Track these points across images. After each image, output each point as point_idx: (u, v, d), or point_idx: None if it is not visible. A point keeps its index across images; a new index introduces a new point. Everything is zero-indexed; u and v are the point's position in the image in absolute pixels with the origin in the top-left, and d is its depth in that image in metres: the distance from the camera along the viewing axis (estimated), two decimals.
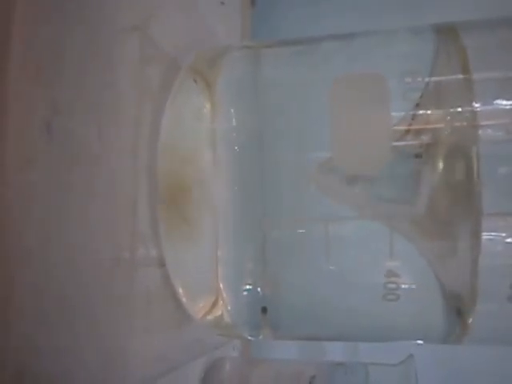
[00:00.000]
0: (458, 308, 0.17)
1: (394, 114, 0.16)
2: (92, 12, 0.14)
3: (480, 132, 0.15)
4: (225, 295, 0.21)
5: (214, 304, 0.21)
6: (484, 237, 0.15)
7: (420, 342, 0.20)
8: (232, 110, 0.20)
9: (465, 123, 0.15)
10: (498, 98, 0.16)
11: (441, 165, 0.15)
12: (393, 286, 0.16)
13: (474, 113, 0.15)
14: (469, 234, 0.15)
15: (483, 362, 0.52)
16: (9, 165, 0.11)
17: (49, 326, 0.13)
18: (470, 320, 0.16)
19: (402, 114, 0.16)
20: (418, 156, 0.15)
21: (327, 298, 0.19)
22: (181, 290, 0.21)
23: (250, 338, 0.22)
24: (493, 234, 0.15)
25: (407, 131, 0.16)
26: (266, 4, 0.59)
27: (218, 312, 0.22)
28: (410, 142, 0.16)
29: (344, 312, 0.19)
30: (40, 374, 0.13)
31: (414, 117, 0.16)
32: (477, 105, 0.15)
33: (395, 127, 0.16)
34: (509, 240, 0.15)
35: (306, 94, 0.19)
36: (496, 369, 0.52)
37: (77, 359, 0.14)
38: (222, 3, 0.45)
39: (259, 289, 0.20)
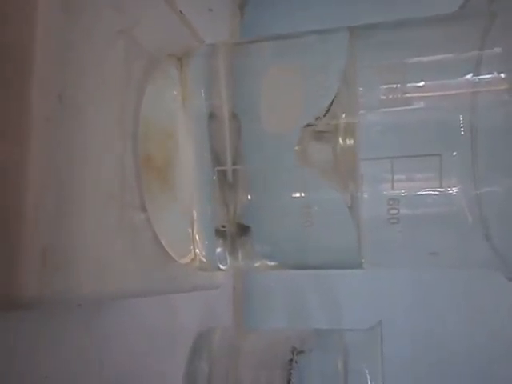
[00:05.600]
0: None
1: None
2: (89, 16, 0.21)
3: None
4: (200, 245, 0.28)
5: (193, 259, 0.28)
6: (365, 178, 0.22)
7: None
8: (202, 91, 0.26)
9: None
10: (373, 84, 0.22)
11: (339, 138, 0.22)
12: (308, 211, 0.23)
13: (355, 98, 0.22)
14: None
15: (449, 330, 0.57)
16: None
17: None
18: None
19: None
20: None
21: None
22: (163, 241, 0.27)
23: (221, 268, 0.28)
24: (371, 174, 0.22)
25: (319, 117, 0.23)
26: (254, 10, 0.65)
27: (196, 259, 0.28)
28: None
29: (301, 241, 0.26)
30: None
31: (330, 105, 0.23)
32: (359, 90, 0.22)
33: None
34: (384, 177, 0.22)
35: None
36: (461, 339, 0.57)
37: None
38: (210, 10, 0.51)
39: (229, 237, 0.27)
